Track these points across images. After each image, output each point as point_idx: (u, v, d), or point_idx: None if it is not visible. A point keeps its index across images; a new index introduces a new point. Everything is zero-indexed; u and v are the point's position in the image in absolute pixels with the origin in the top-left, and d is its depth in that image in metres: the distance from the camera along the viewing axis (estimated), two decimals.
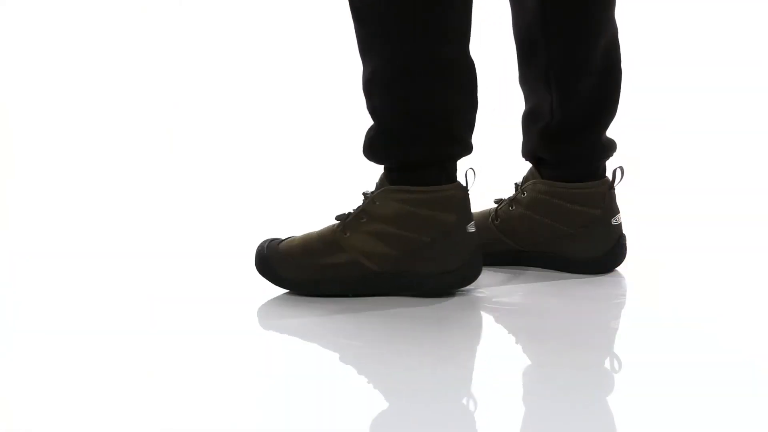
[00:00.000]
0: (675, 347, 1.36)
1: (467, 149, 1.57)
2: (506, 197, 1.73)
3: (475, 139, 1.59)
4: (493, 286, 1.64)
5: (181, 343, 1.41)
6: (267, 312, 1.56)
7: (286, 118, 3.23)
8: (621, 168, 1.67)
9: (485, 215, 1.74)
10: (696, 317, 1.49)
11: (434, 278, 1.54)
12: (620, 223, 1.68)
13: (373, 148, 1.56)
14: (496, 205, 1.73)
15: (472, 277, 1.57)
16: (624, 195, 1.72)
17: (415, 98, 1.51)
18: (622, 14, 1.70)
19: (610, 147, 1.70)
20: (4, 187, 2.53)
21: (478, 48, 1.60)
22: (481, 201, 1.78)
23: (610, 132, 1.71)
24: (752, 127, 2.91)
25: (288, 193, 2.42)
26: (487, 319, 1.52)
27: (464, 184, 1.56)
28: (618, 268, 1.69)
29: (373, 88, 1.53)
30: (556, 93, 1.66)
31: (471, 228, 1.56)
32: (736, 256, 1.79)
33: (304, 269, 1.57)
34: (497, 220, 1.71)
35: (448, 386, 1.26)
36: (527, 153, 1.72)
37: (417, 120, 1.52)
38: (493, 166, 1.96)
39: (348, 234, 1.55)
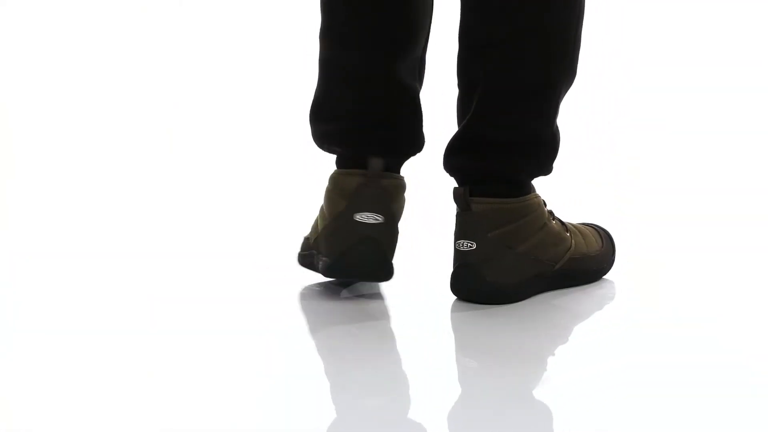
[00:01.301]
0: (675, 347, 1.36)
1: (355, 137, 1.54)
2: None
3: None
4: None
5: (181, 343, 1.41)
6: (267, 312, 1.56)
7: (286, 118, 3.22)
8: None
9: None
10: (696, 317, 1.49)
11: (323, 262, 1.53)
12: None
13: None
14: None
15: (351, 267, 1.51)
16: (624, 195, 1.72)
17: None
18: (622, 14, 1.70)
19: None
20: (4, 187, 2.53)
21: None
22: None
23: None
24: (752, 127, 2.91)
25: (288, 193, 2.41)
26: (485, 318, 1.52)
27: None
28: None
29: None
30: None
31: (363, 217, 1.49)
32: (736, 256, 1.79)
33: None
34: None
35: (447, 386, 1.26)
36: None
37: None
38: None
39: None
